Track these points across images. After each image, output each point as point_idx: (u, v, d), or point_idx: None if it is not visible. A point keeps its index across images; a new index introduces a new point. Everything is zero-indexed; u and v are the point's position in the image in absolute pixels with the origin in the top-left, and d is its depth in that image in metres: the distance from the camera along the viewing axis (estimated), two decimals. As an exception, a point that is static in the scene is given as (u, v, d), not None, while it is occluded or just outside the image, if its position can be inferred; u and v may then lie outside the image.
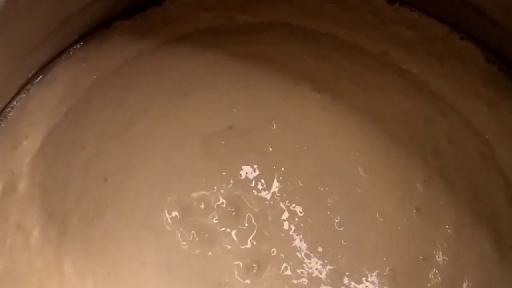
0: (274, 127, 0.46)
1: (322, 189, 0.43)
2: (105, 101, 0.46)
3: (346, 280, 0.41)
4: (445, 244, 0.42)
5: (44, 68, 0.46)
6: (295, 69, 0.48)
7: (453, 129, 0.45)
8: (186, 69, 0.47)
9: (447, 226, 0.43)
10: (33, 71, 0.46)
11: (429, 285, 0.41)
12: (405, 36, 0.48)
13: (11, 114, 0.45)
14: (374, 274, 0.41)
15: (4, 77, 0.43)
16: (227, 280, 0.41)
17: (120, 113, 0.46)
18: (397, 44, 0.48)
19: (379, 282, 0.41)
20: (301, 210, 0.43)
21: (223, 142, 0.45)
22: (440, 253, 0.42)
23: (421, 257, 0.42)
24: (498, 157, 0.44)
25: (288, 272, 0.41)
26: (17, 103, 0.45)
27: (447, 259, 0.42)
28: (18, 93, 0.45)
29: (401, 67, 0.47)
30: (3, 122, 0.45)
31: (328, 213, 0.43)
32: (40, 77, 0.46)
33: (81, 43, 0.48)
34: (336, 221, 0.43)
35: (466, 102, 0.46)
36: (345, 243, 0.42)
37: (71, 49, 0.47)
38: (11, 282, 0.40)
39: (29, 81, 0.46)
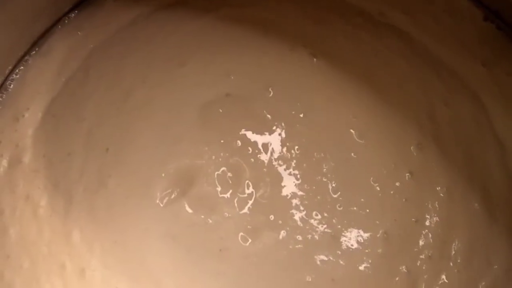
0: (271, 94, 0.46)
1: (318, 155, 0.45)
2: (102, 71, 0.47)
3: (341, 244, 0.43)
4: (436, 206, 0.44)
5: (41, 38, 0.47)
6: (292, 33, 0.48)
7: (449, 92, 0.46)
8: (181, 36, 0.48)
9: (439, 189, 0.44)
10: (31, 42, 0.46)
11: (420, 245, 0.43)
12: (403, -6, 0.47)
13: (11, 86, 0.46)
14: (368, 237, 0.43)
15: (4, 50, 0.43)
16: (227, 246, 0.43)
17: (118, 83, 0.46)
18: (394, 4, 0.47)
19: (373, 245, 0.43)
20: (298, 177, 0.44)
21: (220, 110, 0.46)
22: (432, 215, 0.43)
23: (413, 219, 0.44)
24: (492, 119, 0.45)
25: (286, 237, 0.43)
26: (16, 75, 0.46)
27: (439, 221, 0.43)
28: (17, 65, 0.46)
29: (398, 27, 0.47)
30: (4, 94, 0.46)
31: (324, 179, 0.44)
32: (37, 48, 0.47)
33: (76, 12, 0.48)
34: (332, 187, 0.44)
35: (463, 63, 0.46)
36: (340, 208, 0.44)
37: (66, 18, 0.47)
38: (23, 250, 0.42)
39: (27, 52, 0.46)
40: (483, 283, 0.41)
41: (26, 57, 0.46)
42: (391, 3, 0.47)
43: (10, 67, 0.45)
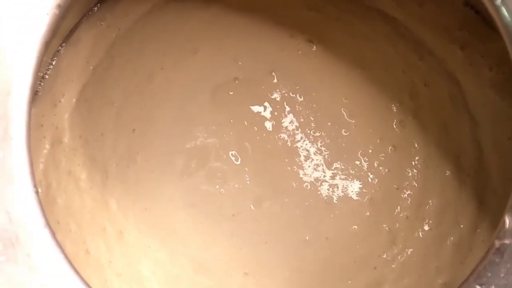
0: (274, 78, 0.53)
1: (315, 133, 0.52)
2: (125, 58, 0.52)
3: (334, 208, 0.51)
4: (415, 174, 0.51)
5: (71, 30, 0.52)
6: (291, 20, 0.53)
7: (428, 72, 0.51)
8: (193, 25, 0.53)
9: (417, 159, 0.51)
10: (63, 36, 0.51)
11: (399, 208, 0.51)
12: (390, -19, 0.51)
13: (47, 75, 0.52)
14: (357, 203, 0.51)
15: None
16: (239, 211, 0.51)
17: (140, 69, 0.52)
18: None
19: (361, 209, 0.51)
20: (298, 152, 0.52)
21: (230, 93, 0.53)
22: (411, 182, 0.51)
23: (395, 186, 0.51)
24: (466, 97, 0.49)
25: (288, 203, 0.51)
26: (51, 65, 0.52)
27: (416, 186, 0.51)
28: (53, 56, 0.52)
29: (385, 12, 0.51)
30: (42, 82, 0.52)
31: (320, 154, 0.52)
32: (67, 39, 0.52)
33: (98, 5, 0.53)
34: (326, 161, 0.52)
35: (443, 46, 0.50)
36: (333, 179, 0.51)
37: (91, 10, 0.53)
38: (70, 215, 0.48)
39: (60, 44, 0.52)
40: (451, 239, 0.48)
41: (58, 48, 0.52)
42: (379, -11, 0.52)
43: (48, 60, 0.51)
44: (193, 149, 0.52)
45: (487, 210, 0.47)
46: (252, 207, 0.51)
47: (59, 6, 0.36)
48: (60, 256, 0.33)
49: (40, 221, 0.33)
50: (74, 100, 0.51)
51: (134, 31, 0.53)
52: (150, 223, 0.50)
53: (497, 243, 0.33)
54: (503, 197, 0.43)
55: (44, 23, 0.36)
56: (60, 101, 0.51)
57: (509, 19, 0.39)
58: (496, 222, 0.42)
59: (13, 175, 0.33)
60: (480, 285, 0.32)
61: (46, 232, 0.33)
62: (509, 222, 0.33)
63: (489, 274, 0.32)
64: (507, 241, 0.33)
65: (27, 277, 0.32)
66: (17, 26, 0.35)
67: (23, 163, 0.34)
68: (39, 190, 0.47)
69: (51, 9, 0.36)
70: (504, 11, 0.37)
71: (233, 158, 0.52)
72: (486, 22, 0.50)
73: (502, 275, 0.32)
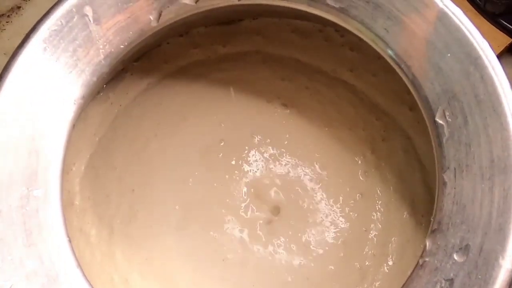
0: (255, 138, 0.61)
1: (292, 187, 0.59)
2: (125, 130, 0.59)
3: (312, 252, 0.57)
4: (379, 217, 0.58)
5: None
6: (267, 89, 0.60)
7: (385, 130, 0.57)
8: (183, 97, 0.60)
9: (380, 203, 0.58)
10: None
11: (367, 247, 0.57)
12: (349, 56, 0.57)
13: (62, 147, 0.59)
14: (331, 245, 0.57)
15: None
16: (228, 257, 0.56)
17: (137, 138, 0.59)
18: (343, 63, 0.57)
19: (336, 250, 0.56)
20: (279, 204, 0.59)
21: (217, 153, 0.60)
22: (376, 224, 0.58)
23: (364, 229, 0.56)
24: (416, 149, 0.55)
25: (271, 249, 0.56)
26: (63, 137, 0.60)
27: (380, 228, 0.58)
28: (66, 130, 0.60)
29: (347, 82, 0.57)
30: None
31: (298, 204, 0.59)
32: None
33: (104, 86, 0.61)
34: (304, 209, 0.59)
35: (395, 108, 0.56)
36: (310, 227, 0.59)
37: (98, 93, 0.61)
38: (83, 268, 0.56)
39: (72, 120, 0.60)
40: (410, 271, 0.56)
41: (71, 123, 0.60)
42: (341, 63, 0.57)
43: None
44: (186, 204, 0.59)
45: (440, 244, 0.55)
46: (240, 253, 0.56)
47: (83, 97, 0.45)
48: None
49: (73, 262, 0.43)
50: (83, 167, 0.58)
51: (133, 106, 0.60)
52: (151, 270, 0.55)
53: (420, 261, 0.42)
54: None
55: (72, 110, 0.45)
56: (71, 169, 0.58)
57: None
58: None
59: (52, 228, 0.43)
60: (408, 292, 0.40)
61: (78, 271, 0.43)
62: (428, 245, 0.41)
63: (415, 284, 0.41)
64: (427, 259, 0.42)
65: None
66: (54, 112, 0.45)
67: (59, 220, 0.43)
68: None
69: (77, 99, 0.45)
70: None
71: (222, 211, 0.60)
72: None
73: (424, 284, 0.41)
